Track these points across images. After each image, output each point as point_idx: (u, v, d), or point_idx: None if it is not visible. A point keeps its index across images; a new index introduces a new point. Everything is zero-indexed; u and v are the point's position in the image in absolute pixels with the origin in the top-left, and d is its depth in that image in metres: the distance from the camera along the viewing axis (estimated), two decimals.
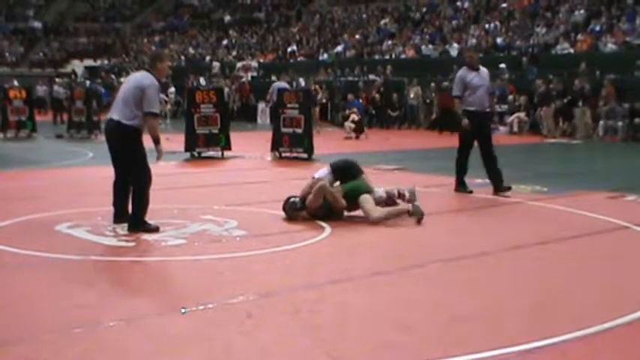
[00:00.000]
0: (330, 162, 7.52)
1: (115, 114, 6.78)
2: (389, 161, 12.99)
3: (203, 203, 8.25)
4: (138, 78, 6.83)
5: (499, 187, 8.97)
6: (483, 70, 9.32)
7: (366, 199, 7.13)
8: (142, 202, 6.66)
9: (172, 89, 30.93)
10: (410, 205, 7.24)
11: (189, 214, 7.53)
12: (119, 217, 6.80)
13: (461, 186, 9.17)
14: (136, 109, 6.62)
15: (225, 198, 8.69)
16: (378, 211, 7.10)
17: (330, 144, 17.79)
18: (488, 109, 9.29)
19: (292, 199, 7.20)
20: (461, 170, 9.20)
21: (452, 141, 19.81)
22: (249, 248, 5.97)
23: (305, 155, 13.55)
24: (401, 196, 7.53)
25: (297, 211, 7.12)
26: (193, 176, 11.23)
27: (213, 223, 7.03)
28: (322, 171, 7.39)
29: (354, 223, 7.05)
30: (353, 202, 7.19)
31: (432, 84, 24.08)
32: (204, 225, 6.91)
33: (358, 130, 19.77)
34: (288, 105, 13.79)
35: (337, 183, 7.39)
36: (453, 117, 9.75)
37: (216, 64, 35.03)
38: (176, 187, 9.77)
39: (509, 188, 8.94)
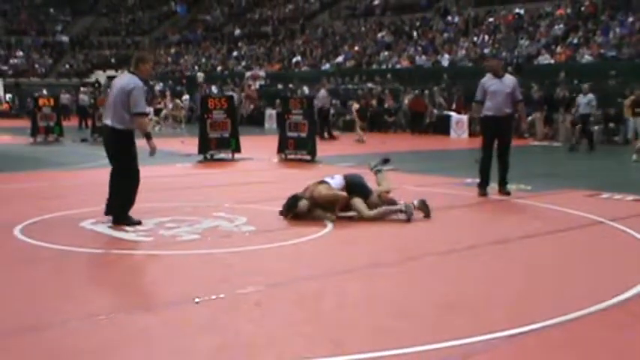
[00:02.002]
0: (345, 174, 7.43)
1: (109, 119, 6.79)
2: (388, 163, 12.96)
3: (215, 201, 8.26)
4: (122, 82, 6.78)
5: (500, 187, 8.89)
6: (508, 77, 8.99)
7: (358, 201, 7.10)
8: (128, 199, 6.71)
9: (186, 96, 30.97)
10: (403, 204, 7.19)
11: (202, 211, 7.53)
12: (111, 210, 6.81)
13: (480, 189, 8.85)
14: (126, 113, 6.63)
15: (236, 196, 8.69)
16: (371, 212, 7.07)
17: (332, 147, 17.79)
18: (507, 114, 8.79)
19: (293, 198, 7.06)
20: (483, 173, 8.84)
21: (440, 144, 19.88)
22: (257, 243, 5.98)
23: (308, 157, 13.54)
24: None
25: (292, 208, 6.99)
26: (206, 176, 11.23)
27: (224, 219, 7.02)
28: (337, 181, 7.21)
29: (355, 221, 7.04)
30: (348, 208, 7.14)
31: (426, 91, 24.06)
32: (216, 221, 6.91)
33: (362, 119, 19.84)
34: (293, 111, 13.79)
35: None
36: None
37: (200, 75, 35.02)
38: (191, 186, 9.77)
39: (508, 193, 8.85)
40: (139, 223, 6.64)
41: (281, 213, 7.12)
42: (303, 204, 7.00)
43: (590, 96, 16.99)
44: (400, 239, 6.32)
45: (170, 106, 27.46)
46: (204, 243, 5.97)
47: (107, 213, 6.80)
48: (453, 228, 6.86)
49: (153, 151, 6.81)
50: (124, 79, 6.84)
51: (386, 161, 7.99)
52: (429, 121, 23.11)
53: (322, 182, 7.18)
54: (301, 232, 6.43)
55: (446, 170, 11.88)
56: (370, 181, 7.62)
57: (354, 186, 7.21)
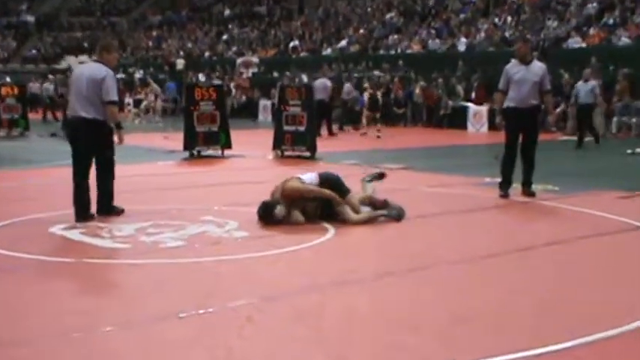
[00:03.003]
0: (319, 172, 7.49)
1: (81, 111, 6.98)
2: (393, 160, 12.99)
3: (203, 204, 8.27)
4: (90, 71, 7.15)
5: (524, 188, 8.90)
6: (536, 64, 8.93)
7: (342, 205, 7.13)
8: (111, 190, 7.29)
9: (171, 85, 31.00)
10: (385, 211, 7.24)
11: (188, 214, 7.55)
12: (84, 214, 7.10)
13: (502, 190, 8.84)
14: (99, 102, 6.88)
15: (226, 198, 8.70)
16: (358, 215, 7.11)
17: (334, 142, 17.81)
18: (532, 106, 8.75)
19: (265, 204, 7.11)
20: (504, 172, 8.84)
21: (456, 139, 19.88)
22: (250, 250, 5.99)
23: (308, 154, 13.56)
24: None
25: (268, 218, 7.00)
26: (192, 176, 11.25)
27: (213, 224, 7.04)
28: (310, 176, 7.32)
29: (358, 225, 7.06)
30: (329, 211, 7.16)
31: (440, 80, 24.09)
32: (204, 226, 6.93)
33: (373, 111, 19.78)
34: (291, 102, 13.80)
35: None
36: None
37: (180, 62, 35.06)
38: (175, 187, 9.79)
39: (533, 194, 8.85)
40: (122, 211, 7.35)
41: (260, 218, 7.17)
42: (279, 210, 7.02)
43: (593, 83, 16.55)
44: (410, 246, 6.34)
45: (152, 96, 27.49)
46: (190, 251, 5.99)
47: (100, 212, 7.25)
48: (469, 233, 6.88)
49: (121, 141, 7.24)
50: (92, 68, 7.18)
51: (381, 176, 8.01)
52: (443, 113, 23.16)
53: (297, 178, 7.27)
54: (300, 239, 6.44)
55: (462, 169, 11.89)
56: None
57: (329, 184, 7.24)
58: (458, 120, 22.63)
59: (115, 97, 7.08)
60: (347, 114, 23.25)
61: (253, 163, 13.03)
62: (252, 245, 6.21)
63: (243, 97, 29.31)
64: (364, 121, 19.54)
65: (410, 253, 6.01)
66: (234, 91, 29.37)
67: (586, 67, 18.67)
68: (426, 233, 6.89)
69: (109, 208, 7.39)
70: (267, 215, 7.04)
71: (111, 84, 7.02)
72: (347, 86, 22.05)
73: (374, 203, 7.41)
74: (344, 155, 13.73)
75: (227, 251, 5.98)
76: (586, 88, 16.32)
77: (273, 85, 26.99)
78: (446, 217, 7.65)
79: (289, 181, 7.20)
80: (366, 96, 21.34)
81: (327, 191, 7.14)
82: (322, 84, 19.54)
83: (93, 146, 7.11)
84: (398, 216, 7.23)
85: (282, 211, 7.01)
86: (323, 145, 14.92)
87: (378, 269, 5.41)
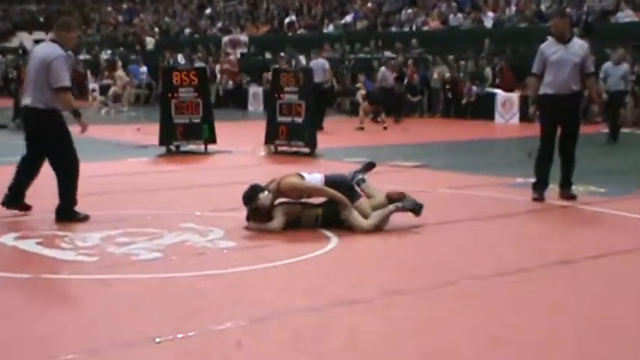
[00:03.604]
0: (326, 174, 7.47)
1: (28, 99, 7.00)
2: (407, 157, 12.98)
3: (182, 208, 8.27)
4: (43, 52, 7.23)
5: (563, 189, 8.89)
6: (576, 43, 8.90)
7: (350, 210, 7.13)
8: (73, 194, 7.32)
9: (143, 68, 31.01)
10: (395, 204, 7.23)
11: (164, 221, 7.54)
12: (12, 202, 7.28)
13: (536, 192, 8.84)
14: (48, 89, 6.87)
15: (210, 202, 8.70)
16: (368, 221, 7.11)
17: (337, 136, 17.80)
18: (573, 92, 8.72)
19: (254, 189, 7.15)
20: (539, 171, 8.86)
21: (482, 132, 19.85)
22: (238, 263, 5.98)
23: (306, 150, 13.56)
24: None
25: (250, 201, 7.06)
26: (170, 175, 11.25)
27: (194, 232, 7.04)
28: (315, 177, 7.33)
29: (364, 233, 7.05)
30: (332, 220, 7.18)
31: (462, 62, 24.10)
32: (184, 235, 6.93)
33: (375, 109, 19.77)
34: (286, 88, 13.80)
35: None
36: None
37: (150, 40, 35.04)
38: (149, 188, 9.78)
39: (574, 197, 8.84)
40: (86, 218, 7.33)
41: (248, 217, 7.22)
42: (265, 197, 7.07)
43: (625, 67, 16.21)
44: (428, 259, 6.33)
45: (121, 82, 27.53)
46: (168, 264, 5.98)
47: (8, 204, 7.39)
48: (498, 244, 6.88)
49: (84, 130, 7.36)
50: (46, 48, 7.24)
51: (370, 166, 7.99)
52: (466, 101, 23.18)
53: (299, 175, 7.28)
54: (297, 250, 6.44)
55: (489, 167, 11.88)
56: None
57: (337, 187, 7.24)
58: (483, 109, 22.65)
59: (66, 83, 7.12)
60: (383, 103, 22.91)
61: (242, 160, 13.03)
62: (240, 257, 6.20)
63: (230, 83, 29.33)
64: (361, 113, 19.56)
65: (427, 267, 6.00)
66: (219, 75, 29.39)
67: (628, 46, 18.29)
68: (447, 243, 6.88)
69: (69, 214, 7.40)
70: (251, 198, 7.09)
71: (60, 67, 7.05)
72: (382, 70, 22.06)
73: (390, 196, 7.39)
74: (348, 152, 13.73)
75: (211, 264, 5.97)
76: (617, 72, 15.85)
77: (265, 68, 26.99)
78: (470, 225, 7.64)
79: (288, 176, 7.22)
80: (361, 93, 21.32)
81: (333, 191, 7.13)
82: (319, 65, 19.47)
83: (44, 141, 7.11)
84: (414, 207, 7.22)
85: (268, 200, 7.05)
86: (324, 139, 14.92)
87: (389, 286, 5.40)
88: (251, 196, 7.11)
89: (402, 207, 7.24)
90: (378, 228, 7.11)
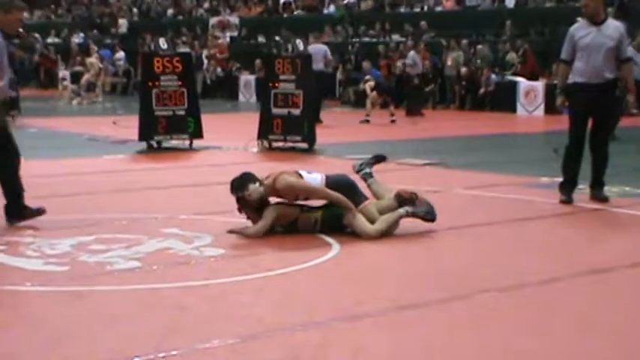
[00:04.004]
0: (327, 174, 7.45)
1: None
2: (418, 153, 12.98)
3: (164, 211, 8.27)
4: None
5: (594, 190, 8.87)
6: (610, 24, 8.85)
7: (354, 213, 7.14)
8: (17, 188, 7.39)
9: (120, 54, 31.03)
10: (405, 209, 7.21)
11: (144, 226, 7.54)
12: (17, 211, 7.37)
13: (564, 194, 8.83)
14: None
15: (196, 204, 8.71)
16: (374, 226, 7.11)
17: (338, 130, 17.81)
18: (607, 80, 8.67)
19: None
20: (567, 170, 8.85)
21: (502, 125, 19.84)
22: (227, 273, 5.97)
23: (304, 145, 13.56)
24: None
25: (238, 190, 7.08)
26: (151, 174, 11.24)
27: (178, 238, 7.03)
28: (315, 177, 7.32)
29: (370, 239, 7.05)
30: (333, 226, 7.19)
31: (480, 46, 24.09)
32: (166, 241, 6.92)
33: (383, 94, 19.77)
34: (282, 76, 13.79)
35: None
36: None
37: (122, 22, 35.02)
38: (127, 189, 9.78)
39: (606, 200, 8.82)
40: (41, 212, 7.43)
41: (239, 209, 7.25)
42: (255, 189, 7.06)
43: None
44: (441, 268, 6.32)
45: (94, 69, 27.51)
46: (148, 274, 5.97)
47: (10, 219, 7.43)
48: (521, 251, 6.87)
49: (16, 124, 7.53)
50: None
51: (379, 159, 7.96)
52: (484, 90, 23.19)
53: (296, 174, 7.28)
54: (293, 258, 6.43)
55: (511, 165, 11.89)
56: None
57: (340, 189, 7.22)
58: (504, 100, 22.67)
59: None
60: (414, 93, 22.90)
61: (232, 157, 13.02)
62: (229, 267, 6.19)
63: (219, 71, 29.36)
64: (368, 104, 19.56)
65: (440, 278, 5.99)
66: (206, 62, 29.40)
67: None
68: (462, 251, 6.87)
69: (19, 211, 7.43)
70: (239, 186, 7.09)
71: None
72: (412, 55, 22.07)
73: (400, 196, 7.38)
74: (352, 148, 13.72)
75: (196, 275, 5.96)
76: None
77: (258, 54, 27.00)
78: (489, 230, 7.65)
79: (285, 174, 7.21)
80: (369, 84, 21.28)
81: (334, 193, 7.12)
82: (318, 50, 19.43)
83: None
84: (427, 214, 7.21)
85: (257, 193, 7.05)
86: (323, 133, 14.92)
87: (398, 299, 5.39)
88: (240, 184, 7.12)
89: (412, 212, 7.20)
90: (385, 234, 7.09)
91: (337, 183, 7.32)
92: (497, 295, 5.52)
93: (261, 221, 7.10)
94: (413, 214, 7.21)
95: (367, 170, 7.71)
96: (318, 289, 5.71)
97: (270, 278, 5.91)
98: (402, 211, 7.20)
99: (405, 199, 7.34)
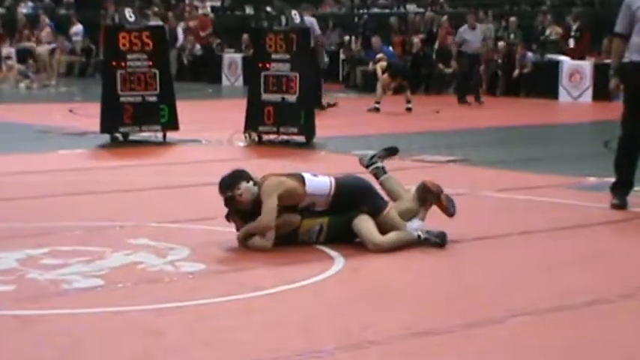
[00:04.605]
0: (336, 176, 7.45)
1: None
2: (439, 148, 12.99)
3: (133, 219, 8.28)
4: None
5: None
6: None
7: (361, 220, 7.16)
8: None
9: (77, 27, 30.98)
10: (420, 232, 7.26)
11: (108, 236, 7.56)
12: None
13: (616, 197, 8.87)
14: None
15: (170, 210, 8.72)
16: (383, 237, 7.14)
17: (343, 119, 17.79)
18: None
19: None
20: (620, 168, 8.90)
21: (541, 114, 19.77)
22: (208, 293, 5.99)
23: (301, 138, 13.59)
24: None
25: (227, 189, 7.09)
26: (116, 174, 11.23)
27: (149, 251, 7.05)
28: (321, 182, 7.30)
29: (377, 252, 7.07)
30: (339, 234, 7.23)
31: (513, 19, 24.08)
32: (135, 255, 6.93)
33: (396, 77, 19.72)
34: (274, 55, 13.78)
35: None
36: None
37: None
38: (86, 191, 9.77)
39: None
40: None
41: (227, 216, 7.26)
42: (247, 188, 7.06)
43: None
44: (464, 287, 6.33)
45: (48, 46, 27.51)
46: (113, 294, 5.98)
47: None
48: (563, 266, 6.89)
49: None
50: None
51: (391, 152, 7.98)
52: (519, 72, 23.18)
53: (294, 175, 7.29)
54: (288, 274, 6.45)
55: (551, 162, 11.92)
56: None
57: (352, 194, 7.26)
58: (543, 83, 22.66)
59: None
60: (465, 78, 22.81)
61: (214, 153, 13.04)
62: (211, 285, 6.21)
63: (198, 47, 29.33)
64: (379, 89, 19.55)
65: (464, 299, 6.00)
66: (182, 37, 29.39)
67: None
68: (492, 266, 6.89)
69: None
70: (229, 184, 7.10)
71: None
72: (464, 31, 21.72)
73: (426, 186, 7.42)
74: (358, 141, 13.73)
75: (171, 295, 5.96)
76: None
77: (245, 28, 26.98)
78: (523, 240, 7.67)
79: (275, 176, 7.21)
80: (380, 65, 21.26)
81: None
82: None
83: None
84: (438, 239, 7.25)
85: (250, 193, 7.06)
86: (325, 124, 14.91)
87: (413, 324, 5.41)
88: (230, 181, 7.13)
89: (426, 239, 7.24)
90: (395, 248, 7.13)
91: (350, 188, 7.35)
92: (533, 319, 5.53)
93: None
94: (426, 240, 7.23)
95: (379, 164, 7.73)
96: (317, 312, 5.72)
97: (260, 299, 5.91)
98: (414, 235, 7.24)
99: (430, 192, 7.39)
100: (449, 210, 7.43)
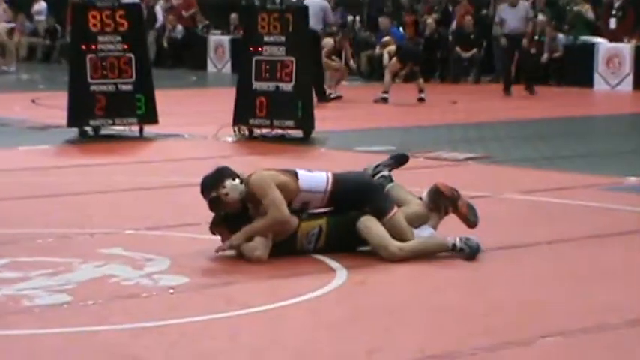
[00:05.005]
0: (335, 172, 7.45)
1: None
2: (456, 144, 12.99)
3: (105, 225, 8.28)
4: None
5: None
6: None
7: (368, 220, 7.16)
8: None
9: (41, 5, 30.99)
10: (457, 239, 7.24)
11: (77, 245, 7.56)
12: None
13: None
14: None
15: (148, 215, 8.73)
16: (400, 243, 7.13)
17: (347, 111, 17.79)
18: None
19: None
20: None
21: (573, 105, 19.77)
22: (192, 310, 5.98)
23: (298, 133, 13.62)
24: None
25: (210, 189, 7.10)
26: (85, 173, 11.23)
27: (124, 262, 7.04)
28: (317, 178, 7.34)
29: (384, 262, 7.07)
30: (341, 238, 7.25)
31: None
32: (107, 266, 6.92)
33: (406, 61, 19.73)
34: (267, 38, 13.78)
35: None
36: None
37: None
38: (52, 194, 9.78)
39: None
40: None
41: (212, 227, 7.26)
42: (234, 187, 7.06)
43: None
44: (487, 304, 6.32)
45: (5, 25, 27.52)
46: (82, 312, 5.97)
47: None
48: (599, 279, 6.89)
49: None
50: None
51: (401, 160, 7.98)
52: (548, 57, 23.15)
53: (286, 171, 7.31)
54: (282, 289, 6.45)
55: (586, 160, 11.92)
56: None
57: (353, 192, 7.28)
58: (576, 69, 22.63)
59: None
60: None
61: (198, 150, 13.05)
62: (194, 302, 6.20)
63: (180, 29, 29.34)
64: (387, 77, 19.55)
65: (487, 317, 6.00)
66: (161, 16, 29.41)
67: None
68: (518, 279, 6.88)
69: None
70: (212, 184, 7.10)
71: None
72: (503, 10, 21.61)
73: (439, 190, 7.42)
74: (364, 136, 13.75)
75: (149, 313, 5.97)
76: None
77: (234, 6, 27.00)
78: (553, 250, 7.67)
79: (273, 172, 7.24)
80: (388, 49, 21.28)
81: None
82: (313, 5, 19.35)
83: None
84: (471, 250, 7.23)
85: (237, 193, 7.06)
86: (325, 117, 14.91)
87: (429, 347, 5.40)
88: (213, 181, 7.12)
89: (461, 249, 7.20)
90: (411, 257, 7.12)
91: (351, 185, 7.36)
92: (565, 341, 5.52)
93: (259, 238, 7.08)
94: (460, 251, 7.21)
95: (385, 173, 7.77)
96: (315, 334, 5.70)
97: (250, 318, 5.90)
98: (451, 240, 7.22)
99: (444, 197, 7.38)
100: (469, 219, 7.42)
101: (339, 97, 20.02)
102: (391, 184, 7.68)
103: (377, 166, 7.82)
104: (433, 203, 7.42)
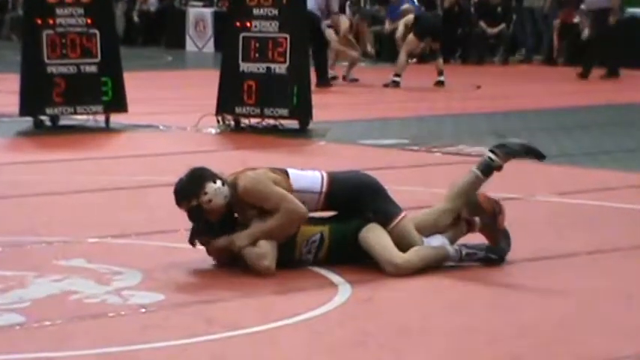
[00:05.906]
0: (330, 171, 7.48)
1: None
2: (479, 136, 13.02)
3: (65, 232, 8.31)
4: None
5: None
6: None
7: (370, 230, 7.20)
8: None
9: None
10: (463, 245, 7.28)
11: (31, 256, 7.60)
12: None
13: None
14: None
15: (115, 220, 8.75)
16: (407, 255, 7.16)
17: (351, 98, 17.83)
18: None
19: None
20: None
21: (617, 91, 19.82)
22: (169, 333, 6.00)
23: (294, 123, 13.66)
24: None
25: (186, 197, 7.08)
26: (42, 171, 11.24)
27: (86, 275, 7.05)
28: (310, 177, 7.38)
29: (393, 276, 7.09)
30: (343, 247, 7.29)
31: None
32: (67, 281, 6.93)
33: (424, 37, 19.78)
34: (256, 11, 13.79)
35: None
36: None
37: None
38: (2, 195, 9.78)
39: None
40: None
41: (192, 238, 7.26)
42: (218, 191, 7.05)
43: None
44: (516, 323, 6.34)
45: None
46: (37, 335, 5.98)
47: None
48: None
49: None
50: None
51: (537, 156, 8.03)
52: (589, 34, 23.15)
53: (276, 169, 7.35)
54: (274, 307, 6.49)
55: (632, 157, 11.99)
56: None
57: (352, 194, 7.34)
58: (620, 48, 22.65)
59: None
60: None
61: (175, 143, 13.10)
62: (170, 322, 6.22)
63: (153, 0, 29.39)
64: (402, 56, 19.55)
65: (516, 339, 6.01)
66: None
67: None
68: (552, 295, 6.90)
69: None
70: (190, 190, 7.08)
71: None
72: None
73: (478, 203, 7.44)
74: (370, 127, 13.77)
75: (118, 335, 5.97)
76: None
77: None
78: (595, 261, 7.70)
79: (260, 171, 7.26)
80: (404, 21, 21.32)
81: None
82: None
83: None
84: (499, 256, 7.29)
85: (222, 197, 7.06)
86: (325, 105, 14.94)
87: None
88: (192, 187, 7.09)
89: (468, 254, 7.28)
90: (419, 269, 7.15)
91: (349, 185, 7.40)
92: None
93: (264, 247, 7.08)
94: (467, 257, 7.25)
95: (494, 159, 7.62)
96: (314, 358, 5.74)
97: (236, 340, 5.92)
98: (451, 250, 7.27)
99: (482, 211, 7.37)
100: (501, 248, 7.38)
101: (335, 78, 20.08)
102: None
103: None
104: (464, 210, 7.41)
